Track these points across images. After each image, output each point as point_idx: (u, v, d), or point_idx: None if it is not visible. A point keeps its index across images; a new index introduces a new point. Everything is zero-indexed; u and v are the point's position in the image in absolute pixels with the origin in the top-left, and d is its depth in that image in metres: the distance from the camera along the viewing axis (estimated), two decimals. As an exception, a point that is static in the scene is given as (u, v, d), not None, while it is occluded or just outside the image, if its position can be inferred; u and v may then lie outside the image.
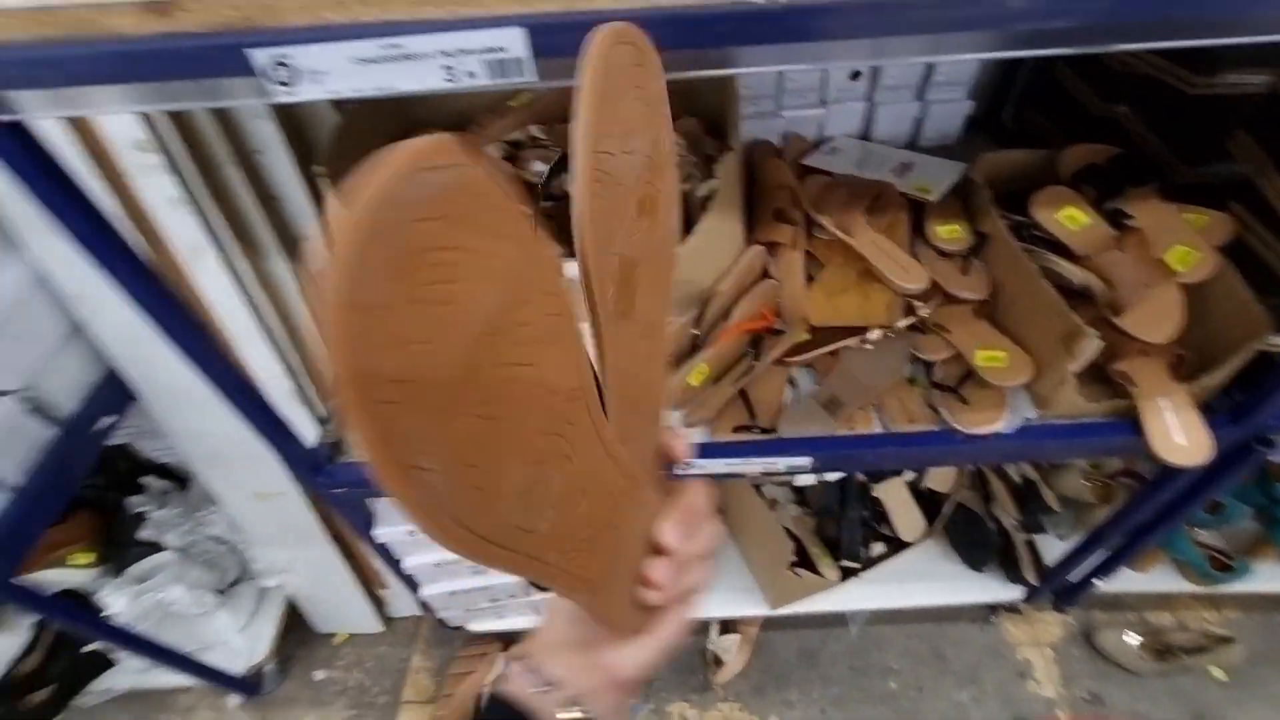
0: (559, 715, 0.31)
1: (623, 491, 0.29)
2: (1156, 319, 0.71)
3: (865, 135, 0.98)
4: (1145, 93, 0.84)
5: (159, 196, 0.71)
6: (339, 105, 0.80)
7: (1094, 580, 1.13)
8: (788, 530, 1.13)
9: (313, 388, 0.93)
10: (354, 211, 0.15)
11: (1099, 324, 0.70)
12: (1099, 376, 0.75)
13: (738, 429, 0.79)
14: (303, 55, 0.38)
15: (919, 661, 1.27)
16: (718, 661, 1.25)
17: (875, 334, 0.78)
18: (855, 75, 0.92)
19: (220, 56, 0.37)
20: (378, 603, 1.31)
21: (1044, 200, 0.78)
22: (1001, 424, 0.75)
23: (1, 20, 0.38)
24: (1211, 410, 0.72)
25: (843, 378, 0.80)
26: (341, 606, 1.29)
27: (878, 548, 1.21)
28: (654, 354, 0.33)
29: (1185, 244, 0.71)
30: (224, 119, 0.74)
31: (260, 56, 0.37)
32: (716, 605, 1.20)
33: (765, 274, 0.83)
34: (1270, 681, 1.20)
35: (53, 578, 1.15)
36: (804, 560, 1.16)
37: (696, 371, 0.77)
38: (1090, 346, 0.68)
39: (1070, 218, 0.77)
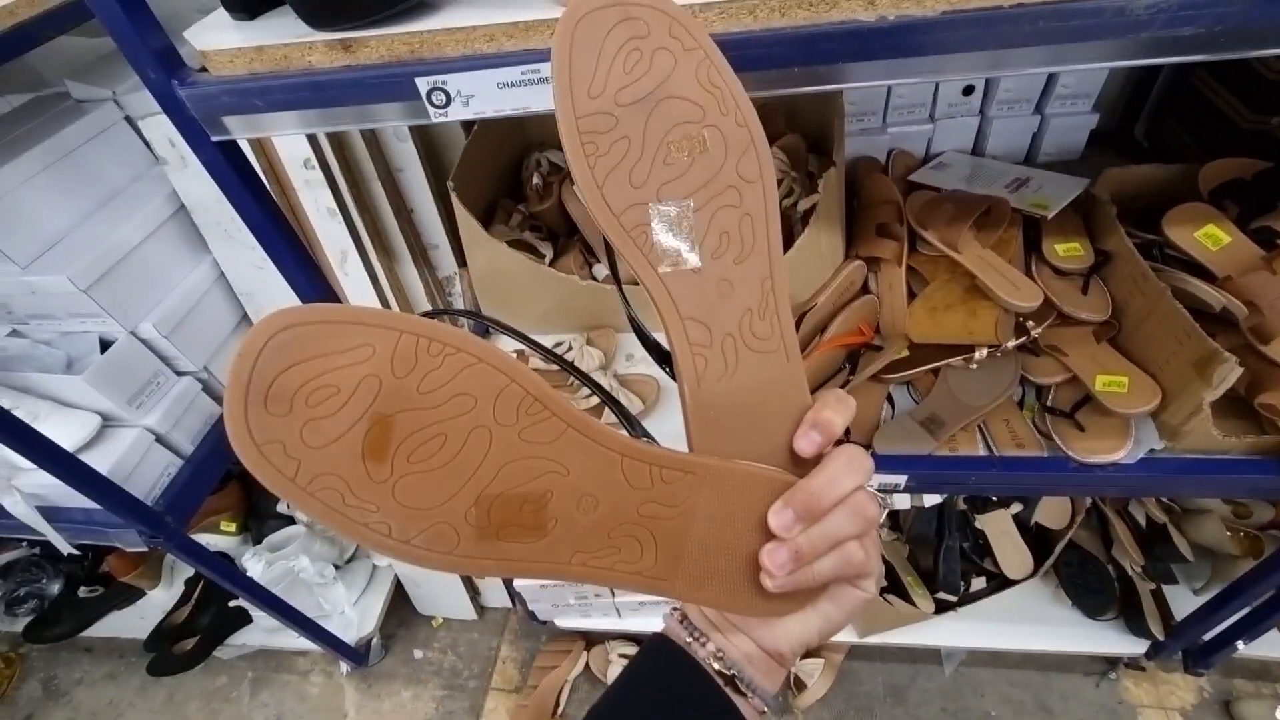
0: (713, 664, 0.32)
1: (663, 487, 0.28)
2: (1314, 348, 0.64)
3: (978, 151, 0.95)
4: (1304, 102, 0.77)
5: (319, 206, 0.81)
6: (467, 128, 0.89)
7: (1235, 642, 1.01)
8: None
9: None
10: (231, 393, 0.22)
11: (1241, 351, 0.64)
12: (1239, 410, 0.69)
13: (831, 443, 0.79)
14: (456, 81, 0.44)
15: (1022, 712, 1.18)
16: (799, 684, 1.22)
17: (981, 353, 0.76)
18: (968, 90, 0.90)
19: (392, 84, 0.44)
20: (474, 592, 1.39)
21: (1179, 217, 0.73)
22: (1122, 454, 0.70)
23: (225, 58, 0.47)
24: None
25: (944, 396, 0.78)
26: (441, 592, 1.38)
27: (978, 583, 1.14)
28: (748, 309, 0.29)
29: (1350, 266, 0.64)
30: (372, 141, 0.84)
31: (423, 83, 0.44)
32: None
33: (865, 289, 0.82)
34: None
35: (206, 541, 1.32)
36: (896, 588, 1.12)
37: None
38: (1229, 373, 0.62)
39: (1210, 236, 0.72)
